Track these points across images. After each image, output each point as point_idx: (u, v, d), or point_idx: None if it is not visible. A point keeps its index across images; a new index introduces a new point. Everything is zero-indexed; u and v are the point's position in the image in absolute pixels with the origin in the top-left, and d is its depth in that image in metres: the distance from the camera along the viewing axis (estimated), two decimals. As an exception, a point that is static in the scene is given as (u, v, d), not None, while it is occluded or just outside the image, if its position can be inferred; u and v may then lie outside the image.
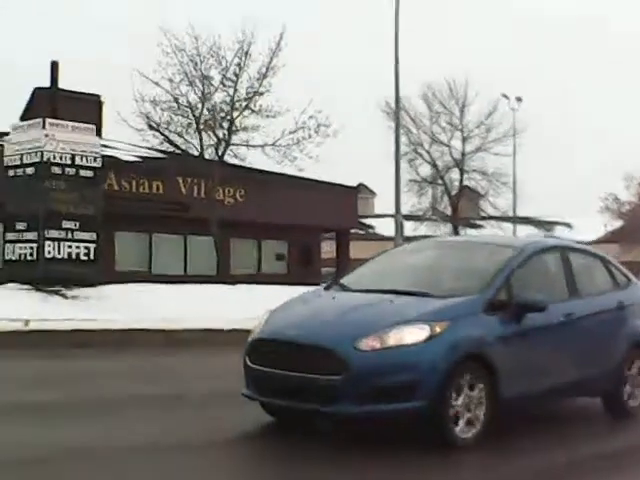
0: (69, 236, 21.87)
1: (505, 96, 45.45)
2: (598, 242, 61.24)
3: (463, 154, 45.36)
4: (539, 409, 9.12)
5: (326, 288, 8.76)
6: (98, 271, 22.25)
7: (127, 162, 28.92)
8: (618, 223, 57.63)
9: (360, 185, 53.76)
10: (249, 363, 7.75)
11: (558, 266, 8.97)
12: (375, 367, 7.11)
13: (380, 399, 7.10)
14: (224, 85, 26.53)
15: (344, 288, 8.58)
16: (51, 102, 23.37)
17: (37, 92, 26.42)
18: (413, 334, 7.23)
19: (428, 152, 45.57)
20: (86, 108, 25.26)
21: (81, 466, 6.42)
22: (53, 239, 21.63)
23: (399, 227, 28.79)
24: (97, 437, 7.31)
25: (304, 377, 7.25)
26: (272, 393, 7.55)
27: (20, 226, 22.07)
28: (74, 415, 8.36)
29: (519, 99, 45.88)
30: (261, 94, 26.67)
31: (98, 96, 29.01)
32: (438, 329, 7.26)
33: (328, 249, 39.52)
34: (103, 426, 7.83)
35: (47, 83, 23.91)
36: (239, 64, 26.43)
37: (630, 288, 9.79)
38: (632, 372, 9.28)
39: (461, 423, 7.32)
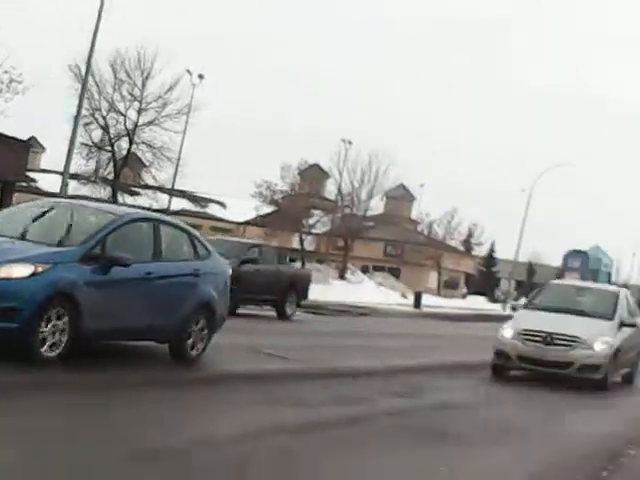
0: None
1: (189, 72, 46.05)
2: (248, 224, 63.99)
3: (136, 125, 46.23)
4: (119, 343, 11.25)
5: None
6: None
7: None
8: (269, 209, 58.64)
9: (31, 138, 54.13)
10: None
11: (149, 234, 11.09)
12: None
13: None
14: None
15: None
16: None
17: None
18: (20, 270, 9.35)
19: (104, 118, 46.03)
20: None
21: None
22: None
23: (66, 186, 30.54)
24: None
25: None
26: None
27: None
28: None
29: (201, 76, 46.42)
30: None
31: None
32: (40, 269, 9.40)
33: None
34: None
35: None
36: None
37: (208, 259, 12.01)
38: (196, 327, 11.49)
39: (47, 345, 9.43)
